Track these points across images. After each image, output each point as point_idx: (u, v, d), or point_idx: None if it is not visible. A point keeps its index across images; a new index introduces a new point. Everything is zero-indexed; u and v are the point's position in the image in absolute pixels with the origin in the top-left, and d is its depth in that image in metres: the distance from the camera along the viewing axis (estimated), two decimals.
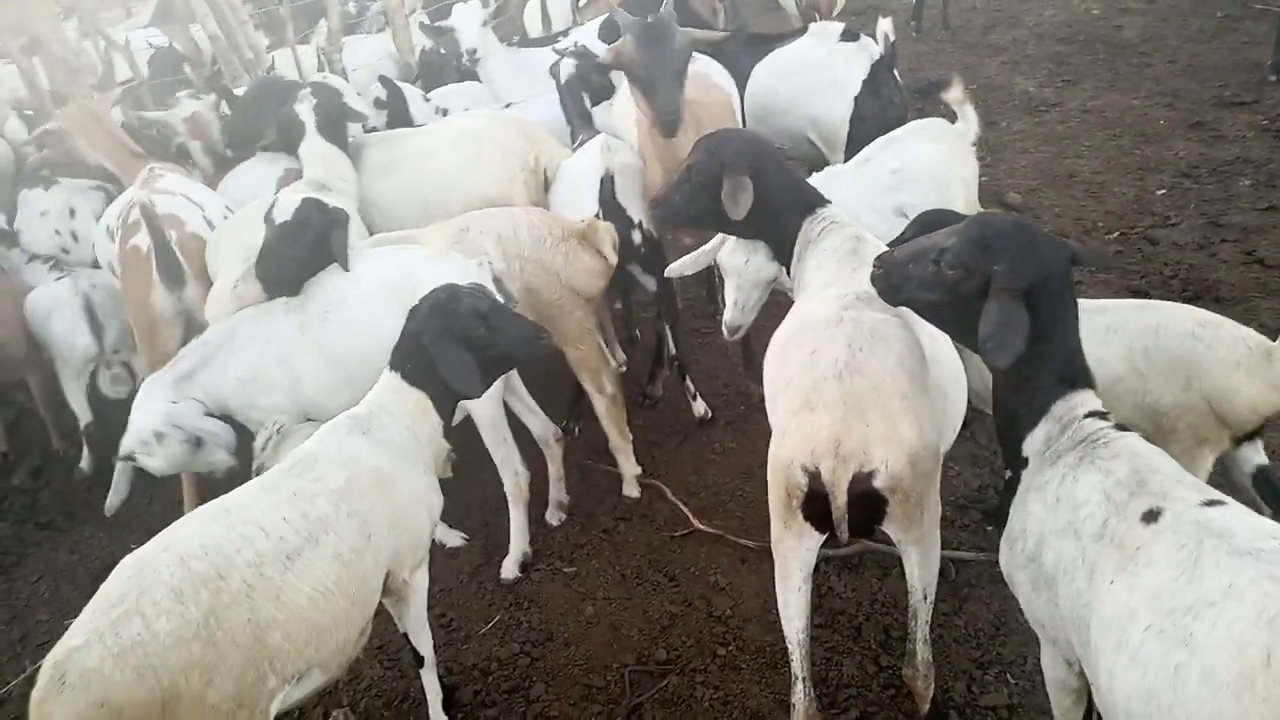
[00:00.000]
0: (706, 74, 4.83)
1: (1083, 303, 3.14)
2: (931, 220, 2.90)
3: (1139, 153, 6.93)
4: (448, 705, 3.24)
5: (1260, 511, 2.80)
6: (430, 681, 3.18)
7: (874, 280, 2.50)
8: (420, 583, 3.02)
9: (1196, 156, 6.68)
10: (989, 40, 9.90)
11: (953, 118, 4.52)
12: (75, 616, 2.36)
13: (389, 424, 2.91)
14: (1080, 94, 8.17)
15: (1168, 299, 5.02)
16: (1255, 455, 3.07)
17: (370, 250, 3.90)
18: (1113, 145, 7.11)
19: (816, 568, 3.70)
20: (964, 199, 4.22)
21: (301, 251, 3.75)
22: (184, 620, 2.28)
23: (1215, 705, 1.66)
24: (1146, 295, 5.08)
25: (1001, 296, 2.17)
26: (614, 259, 4.10)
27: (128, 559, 2.46)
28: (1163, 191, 6.29)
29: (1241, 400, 2.87)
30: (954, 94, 4.48)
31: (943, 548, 3.63)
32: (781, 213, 3.16)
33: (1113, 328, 3.06)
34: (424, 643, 3.12)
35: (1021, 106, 8.16)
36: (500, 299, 3.51)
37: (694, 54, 4.58)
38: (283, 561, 2.49)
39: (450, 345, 2.88)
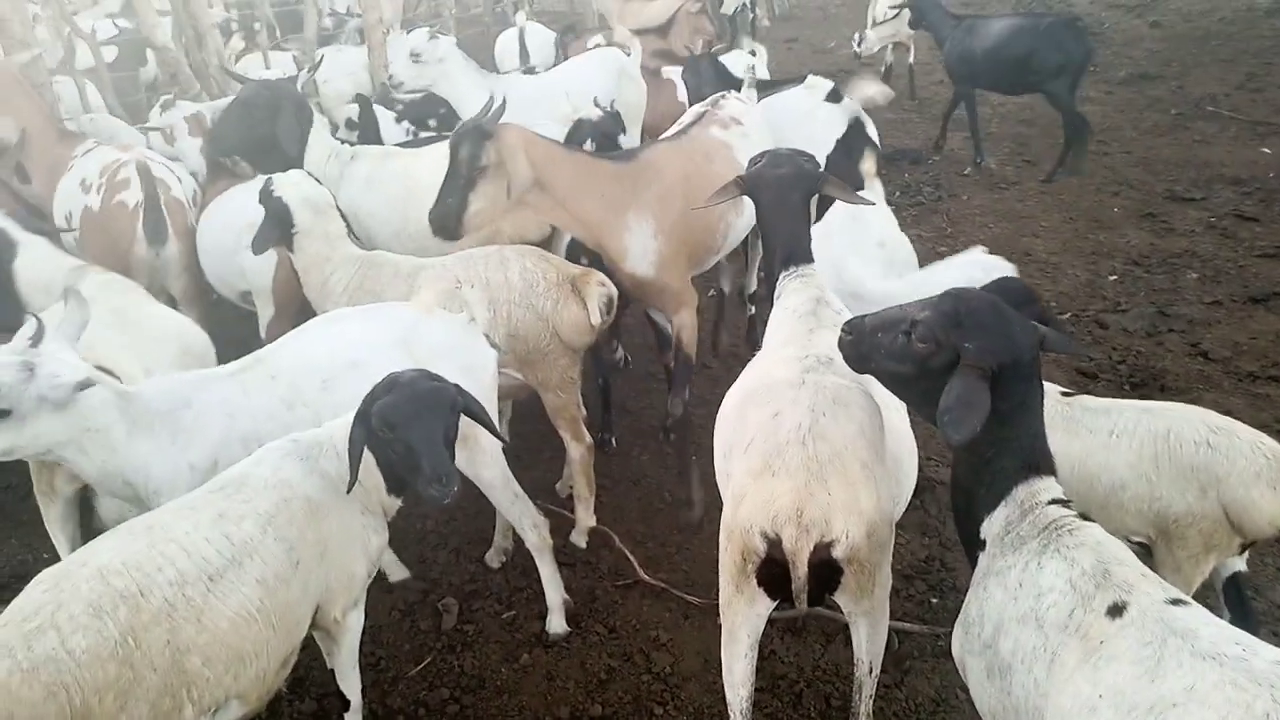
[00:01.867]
0: (729, 147, 4.53)
1: (1084, 400, 3.14)
2: (1003, 286, 3.13)
3: (1093, 237, 7.11)
4: None
5: (1219, 614, 2.84)
6: None
7: (842, 346, 2.47)
8: (353, 624, 2.91)
9: (1147, 246, 6.88)
10: (954, 114, 10.15)
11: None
12: None
13: (332, 459, 2.81)
14: (1039, 175, 8.40)
15: (1115, 384, 5.15)
16: (1239, 562, 3.02)
17: (355, 312, 3.57)
18: (1068, 228, 7.30)
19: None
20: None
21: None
22: (101, 638, 2.17)
23: None
24: (1095, 378, 5.19)
25: (967, 374, 2.15)
26: (598, 318, 3.92)
27: (45, 573, 2.34)
28: (1114, 277, 6.46)
29: (1262, 513, 2.77)
30: (867, 166, 4.76)
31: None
32: (772, 256, 3.19)
33: (1118, 432, 2.96)
34: (352, 686, 3.00)
35: (982, 182, 8.37)
36: (490, 369, 3.47)
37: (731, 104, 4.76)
38: (205, 582, 2.39)
39: (359, 438, 2.69)
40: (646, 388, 5.51)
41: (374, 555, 2.92)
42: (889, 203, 8.05)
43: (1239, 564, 3.02)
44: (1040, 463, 2.24)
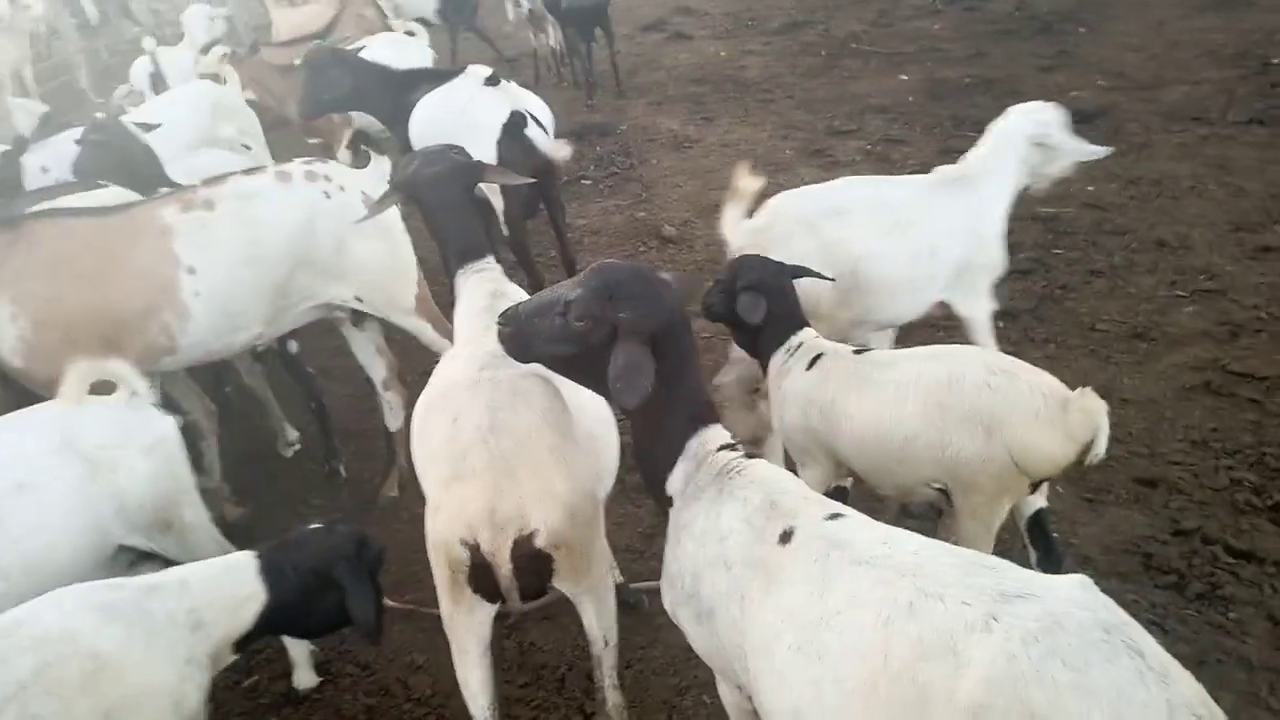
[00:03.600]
0: (169, 234, 3.78)
1: (872, 355, 3.06)
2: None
3: (772, 180, 7.49)
4: None
5: (1027, 557, 2.95)
6: None
7: (502, 339, 2.42)
8: None
9: (819, 180, 7.41)
10: (634, 83, 10.50)
11: None
12: None
13: (168, 599, 2.45)
14: (717, 129, 8.87)
15: None
16: (1038, 499, 3.00)
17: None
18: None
19: (516, 625, 3.68)
20: None
21: None
22: None
23: (850, 714, 1.73)
24: None
25: (628, 341, 2.19)
26: None
27: None
28: None
29: (1041, 452, 2.73)
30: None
31: (633, 579, 3.74)
32: (446, 254, 3.12)
33: (903, 383, 2.89)
34: None
35: (668, 144, 8.72)
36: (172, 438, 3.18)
37: None
38: None
39: (367, 585, 2.69)
40: (371, 406, 5.29)
41: (187, 714, 2.43)
42: (585, 177, 8.26)
43: (1039, 501, 3.02)
44: (704, 413, 2.32)
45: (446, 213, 3.14)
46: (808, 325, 3.25)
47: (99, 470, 2.94)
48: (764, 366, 3.30)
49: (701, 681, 3.34)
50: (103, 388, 3.16)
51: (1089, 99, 7.98)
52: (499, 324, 2.41)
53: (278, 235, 3.87)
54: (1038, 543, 3.02)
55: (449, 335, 3.99)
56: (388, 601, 3.80)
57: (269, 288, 3.91)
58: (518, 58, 11.98)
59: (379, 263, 4.13)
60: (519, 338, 2.37)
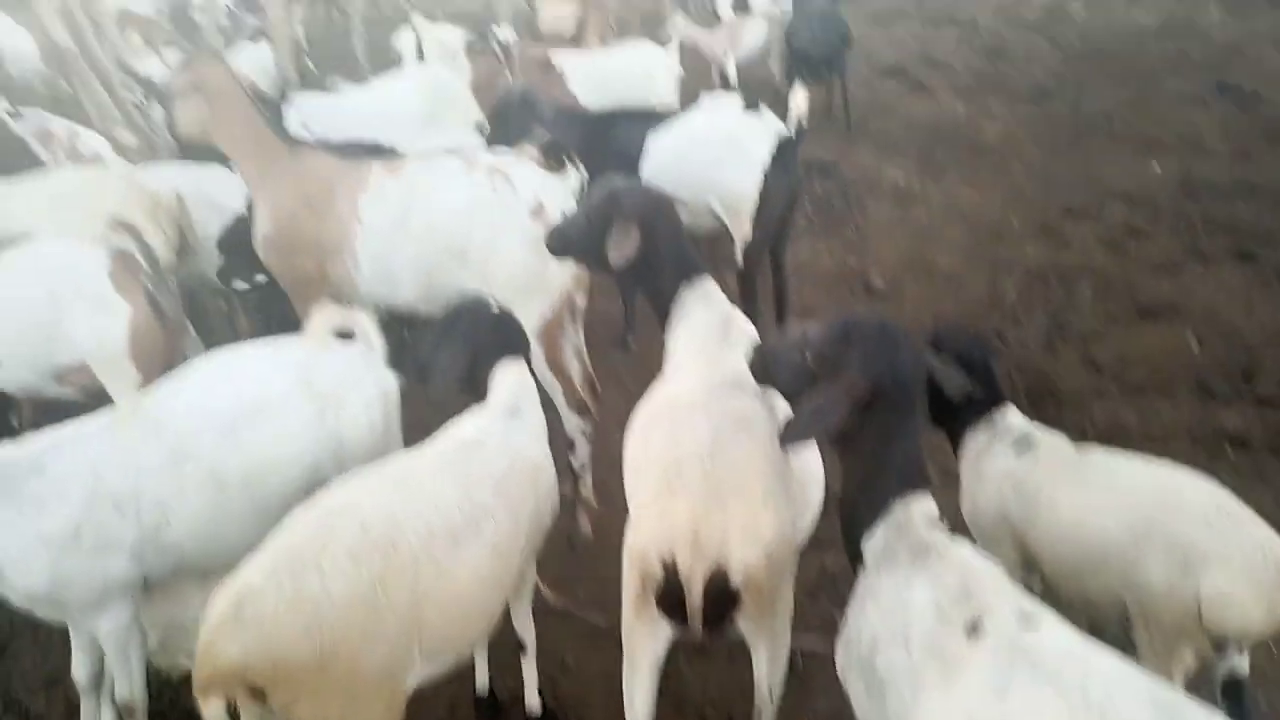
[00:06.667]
0: (352, 198, 4.22)
1: (1092, 452, 2.92)
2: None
3: (993, 251, 7.31)
4: None
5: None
6: (530, 671, 3.35)
7: (752, 369, 2.55)
8: (533, 573, 3.18)
9: (1044, 260, 7.10)
10: (864, 127, 10.35)
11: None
12: None
13: (530, 412, 3.09)
14: (943, 188, 8.61)
15: (1012, 396, 5.27)
16: (1239, 664, 2.61)
17: (245, 352, 3.33)
18: (970, 241, 7.49)
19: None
20: None
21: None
22: (356, 583, 2.30)
23: None
24: None
25: (838, 383, 2.24)
26: None
27: (307, 516, 2.48)
28: (1013, 291, 6.65)
29: (1235, 612, 2.45)
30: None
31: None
32: (664, 274, 3.14)
33: (1120, 488, 2.73)
34: (530, 631, 3.29)
35: (889, 194, 8.54)
36: (392, 395, 3.44)
37: None
38: (450, 540, 2.54)
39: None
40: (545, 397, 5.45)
41: (557, 505, 3.13)
42: (806, 217, 8.19)
43: (1240, 667, 2.62)
44: (915, 479, 2.28)
45: (668, 233, 3.18)
46: (1008, 402, 3.12)
47: (328, 410, 3.17)
48: (953, 443, 3.19)
49: None
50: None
51: None
52: (754, 354, 2.52)
53: (431, 216, 4.07)
54: (1231, 710, 2.62)
55: (562, 375, 4.24)
56: (547, 593, 3.93)
57: (415, 264, 4.13)
58: (752, 82, 12.07)
59: (516, 271, 4.03)
60: (767, 369, 2.49)
